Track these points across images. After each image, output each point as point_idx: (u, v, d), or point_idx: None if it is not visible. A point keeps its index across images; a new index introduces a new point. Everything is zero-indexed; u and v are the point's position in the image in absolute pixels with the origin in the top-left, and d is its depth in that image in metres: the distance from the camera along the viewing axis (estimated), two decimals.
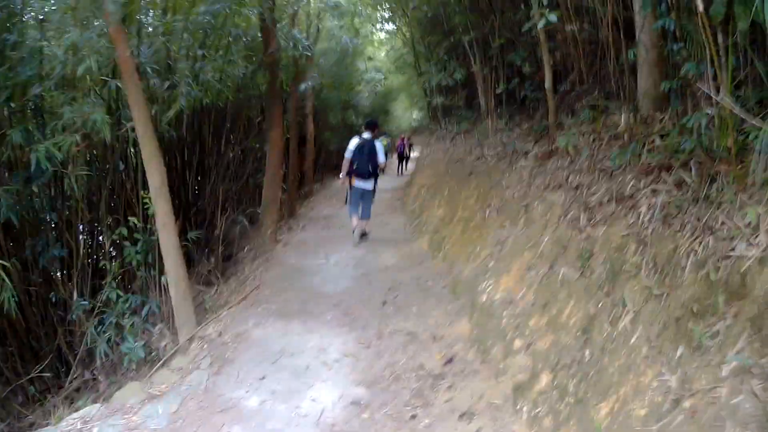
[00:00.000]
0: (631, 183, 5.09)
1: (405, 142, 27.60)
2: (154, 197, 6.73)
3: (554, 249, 5.49)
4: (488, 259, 7.01)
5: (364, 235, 10.82)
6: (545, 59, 7.59)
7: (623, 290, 4.10)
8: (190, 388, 5.24)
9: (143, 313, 7.45)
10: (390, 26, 20.06)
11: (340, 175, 10.40)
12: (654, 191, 4.73)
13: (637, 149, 5.33)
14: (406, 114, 41.92)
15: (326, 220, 13.42)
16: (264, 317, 7.09)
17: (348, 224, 11.22)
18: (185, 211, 10.92)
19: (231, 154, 12.34)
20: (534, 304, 5.31)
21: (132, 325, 7.16)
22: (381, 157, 10.10)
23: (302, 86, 12.87)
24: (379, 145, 10.10)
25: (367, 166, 9.96)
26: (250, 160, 13.60)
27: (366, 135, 10.08)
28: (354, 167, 10.00)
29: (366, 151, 9.91)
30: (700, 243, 3.56)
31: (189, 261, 10.57)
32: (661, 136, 5.31)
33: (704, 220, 3.71)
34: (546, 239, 5.75)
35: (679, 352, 3.25)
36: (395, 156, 28.01)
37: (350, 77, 22.57)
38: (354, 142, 10.00)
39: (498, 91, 9.86)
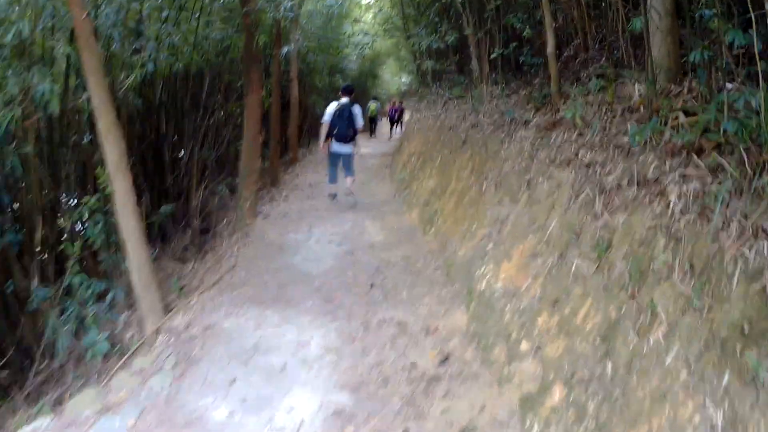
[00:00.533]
0: (654, 164, 4.46)
1: (396, 107, 27.61)
2: (112, 174, 6.04)
3: (564, 235, 4.87)
4: (486, 239, 6.39)
5: (350, 195, 10.83)
6: (547, 21, 6.90)
7: (652, 294, 3.49)
8: (151, 396, 4.60)
9: (107, 300, 6.79)
10: None
11: (319, 142, 10.68)
12: (684, 177, 4.11)
13: (659, 125, 4.69)
14: (395, 78, 41.35)
15: (311, 189, 12.73)
16: (237, 305, 6.44)
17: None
18: (160, 183, 10.24)
19: (210, 121, 11.58)
20: (541, 299, 4.70)
21: (95, 314, 6.52)
22: (359, 122, 10.30)
23: (285, 49, 12.05)
24: (357, 110, 10.27)
25: (347, 130, 10.10)
26: (230, 126, 12.86)
27: (344, 100, 10.17)
28: (334, 131, 10.15)
29: (345, 115, 10.05)
30: (751, 248, 2.94)
31: (164, 236, 9.96)
32: (686, 113, 4.66)
33: (753, 219, 3.09)
34: (554, 223, 5.13)
35: (725, 382, 2.66)
36: (386, 119, 28.53)
37: (337, 41, 21.82)
38: (332, 107, 10.14)
39: (493, 55, 9.15)
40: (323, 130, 10.30)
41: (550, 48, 6.94)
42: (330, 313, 6.14)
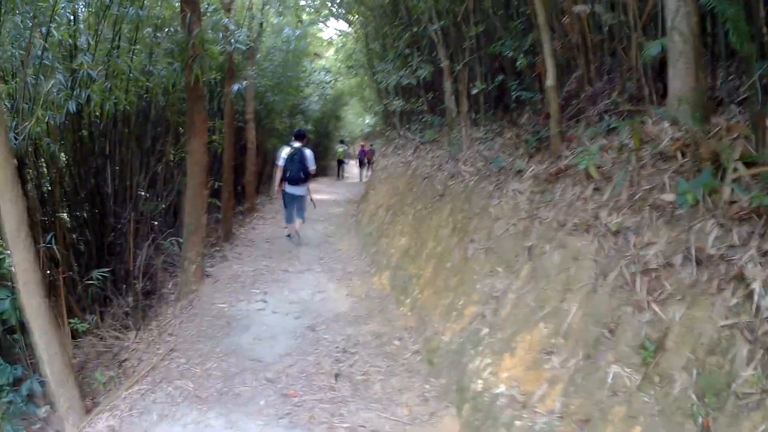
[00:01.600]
0: (715, 233, 3.33)
1: (365, 149, 28.43)
2: (10, 242, 4.77)
3: (590, 328, 3.69)
4: (478, 321, 5.18)
5: (297, 235, 11.33)
6: (546, 48, 5.81)
7: (739, 430, 2.32)
8: None
9: (23, 390, 5.46)
10: (340, 24, 18.46)
11: (275, 185, 11.14)
12: (766, 254, 2.99)
13: (713, 180, 3.55)
14: (358, 120, 40.67)
15: (268, 244, 11.43)
16: (174, 403, 5.14)
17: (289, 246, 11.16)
18: (99, 239, 8.88)
19: (158, 167, 10.27)
20: (564, 417, 3.51)
21: (10, 404, 5.23)
22: (311, 165, 10.58)
23: (235, 86, 10.82)
24: (309, 154, 10.57)
25: (298, 173, 10.49)
26: (181, 172, 11.59)
27: (296, 144, 10.59)
28: (286, 175, 10.54)
29: (297, 159, 10.44)
30: None
31: (104, 300, 8.59)
32: (746, 163, 3.53)
33: None
34: (574, 309, 3.94)
35: None
36: (353, 162, 30.19)
37: (297, 79, 20.73)
38: (285, 151, 10.59)
39: (474, 91, 8.04)
40: (277, 174, 10.76)
41: (551, 80, 5.85)
42: (287, 415, 4.86)
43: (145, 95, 9.57)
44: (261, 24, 15.29)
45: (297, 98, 21.74)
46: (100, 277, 7.61)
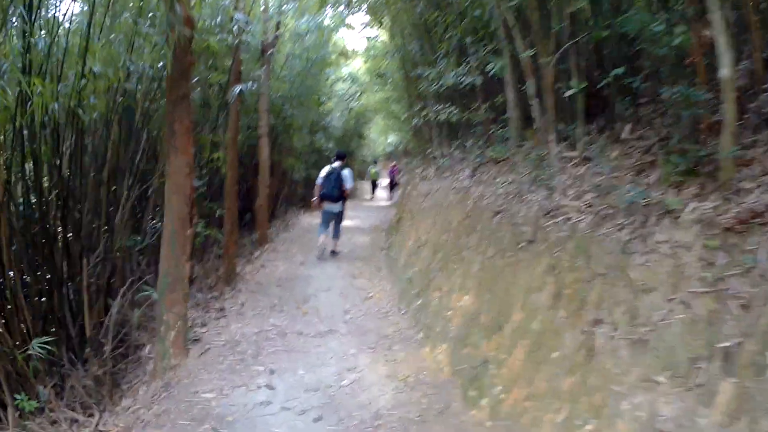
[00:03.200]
0: None
1: (396, 169, 27.63)
2: None
3: None
4: None
5: (333, 252, 12.03)
6: (716, 19, 3.54)
7: None
8: None
9: None
10: (366, 31, 16.40)
11: (314, 199, 11.69)
12: None
13: None
14: (381, 138, 39.57)
15: (280, 289, 9.09)
16: None
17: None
18: (49, 295, 6.64)
19: (138, 191, 8.01)
20: None
21: None
22: (348, 183, 11.29)
23: (238, 87, 8.46)
24: (346, 173, 11.25)
25: (333, 191, 11.13)
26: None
27: (336, 164, 11.36)
28: (323, 192, 11.16)
29: (333, 177, 11.10)
30: None
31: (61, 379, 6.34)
32: None
33: None
34: None
35: None
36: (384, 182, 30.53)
37: (318, 91, 18.60)
38: (324, 170, 11.32)
39: (570, 92, 5.68)
40: (316, 190, 11.39)
41: (727, 69, 3.55)
42: None
43: (122, 99, 7.32)
44: (278, 24, 13.07)
45: (318, 113, 19.57)
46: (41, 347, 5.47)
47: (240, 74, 8.99)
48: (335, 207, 11.34)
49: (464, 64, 7.57)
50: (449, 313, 6.29)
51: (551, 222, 5.12)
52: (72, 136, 6.66)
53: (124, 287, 7.23)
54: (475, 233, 6.66)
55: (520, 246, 5.44)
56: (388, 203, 25.85)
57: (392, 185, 27.83)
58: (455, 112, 8.47)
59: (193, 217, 5.63)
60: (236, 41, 8.17)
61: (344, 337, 6.84)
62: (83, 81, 5.94)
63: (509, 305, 5.15)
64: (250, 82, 8.25)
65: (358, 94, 18.37)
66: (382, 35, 16.40)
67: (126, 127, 7.71)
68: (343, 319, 7.56)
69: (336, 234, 11.98)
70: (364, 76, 19.85)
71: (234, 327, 7.10)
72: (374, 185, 31.45)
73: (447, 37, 8.56)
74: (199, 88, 9.66)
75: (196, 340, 6.61)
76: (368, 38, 16.71)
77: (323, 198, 11.20)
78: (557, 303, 4.48)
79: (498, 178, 7.05)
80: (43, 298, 6.53)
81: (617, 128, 5.79)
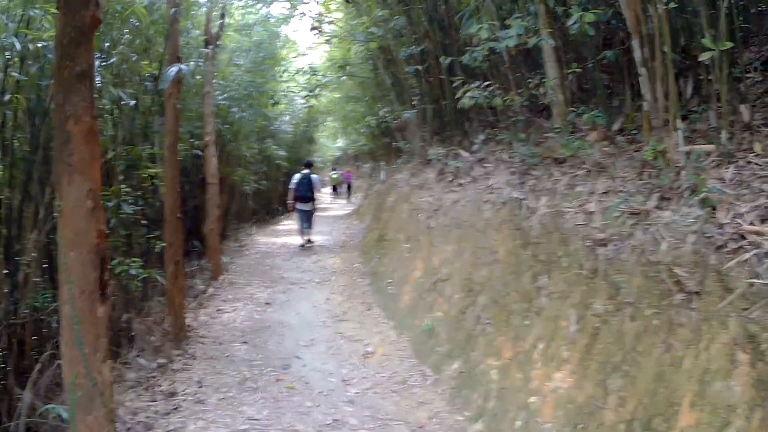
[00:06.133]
0: None
1: (350, 174, 33.92)
2: None
3: None
4: None
5: (309, 242, 14.27)
6: None
7: None
8: None
9: None
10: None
11: (288, 202, 14.30)
12: None
13: None
14: (329, 144, 39.37)
15: (249, 348, 6.69)
16: None
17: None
18: None
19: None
20: None
21: None
22: (318, 186, 13.80)
23: (173, 69, 5.91)
24: (315, 178, 13.71)
25: (306, 193, 13.38)
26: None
27: (305, 171, 13.67)
28: (298, 195, 13.40)
29: (305, 182, 13.38)
30: None
31: None
32: None
33: None
34: None
35: None
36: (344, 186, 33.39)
37: (270, 92, 16.44)
38: (297, 177, 13.63)
39: (704, 55, 3.55)
40: (290, 194, 13.63)
41: None
42: None
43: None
44: (222, 13, 10.79)
45: (267, 117, 17.36)
46: None
47: (179, 58, 6.55)
48: (308, 206, 13.53)
49: (518, 17, 5.26)
50: (533, 399, 4.03)
51: (732, 260, 2.95)
52: None
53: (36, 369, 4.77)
54: (556, 271, 4.40)
55: (671, 300, 3.24)
56: (349, 206, 27.73)
57: (349, 189, 32.63)
58: (485, 94, 6.01)
59: (106, 284, 3.25)
60: (173, 10, 5.82)
61: None
62: None
63: (665, 398, 2.95)
64: (191, 63, 5.81)
65: (317, 88, 16.10)
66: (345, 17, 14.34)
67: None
68: (345, 397, 5.28)
69: (310, 226, 14.07)
70: (327, 68, 17.59)
71: (192, 428, 4.67)
72: (334, 189, 35.14)
73: None
74: (120, 82, 7.25)
75: None
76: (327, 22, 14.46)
77: (298, 199, 13.33)
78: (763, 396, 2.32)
79: (579, 186, 4.77)
80: None
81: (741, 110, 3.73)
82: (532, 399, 4.03)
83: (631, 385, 3.31)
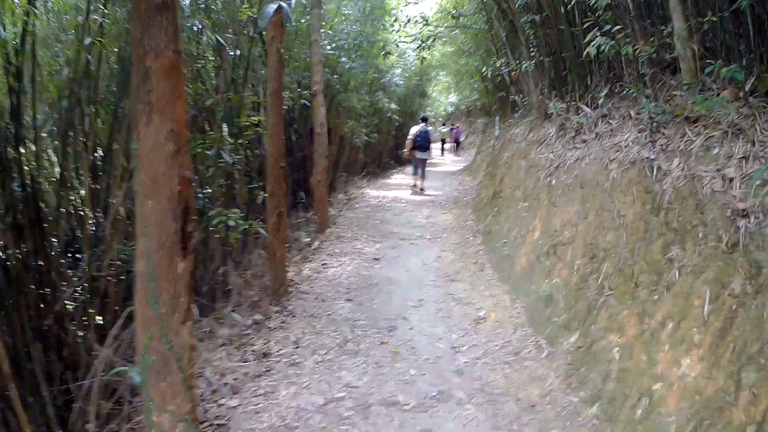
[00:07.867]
0: None
1: (459, 129, 35.16)
2: None
3: None
4: None
5: (422, 190, 15.72)
6: None
7: None
8: None
9: None
10: None
11: (404, 151, 17.46)
12: None
13: None
14: (442, 99, 37.79)
15: (353, 306, 6.38)
16: None
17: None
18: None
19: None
20: None
21: None
22: (433, 136, 15.93)
23: (272, 6, 5.48)
24: (431, 129, 15.59)
25: (424, 143, 14.99)
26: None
27: (422, 124, 15.24)
28: (416, 144, 14.97)
29: (423, 134, 14.96)
30: None
31: None
32: None
33: None
34: None
35: None
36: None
37: (379, 42, 16.15)
38: (415, 128, 15.22)
39: None
40: (408, 144, 15.43)
41: None
42: None
43: None
44: None
45: (378, 71, 17.27)
46: None
47: None
48: (425, 155, 15.30)
49: None
50: (657, 386, 3.45)
51: None
52: None
53: (117, 324, 4.59)
54: (690, 242, 3.74)
55: None
56: (460, 162, 27.67)
57: (457, 144, 33.99)
58: (621, 41, 5.26)
59: (190, 236, 2.91)
60: None
61: (465, 409, 4.13)
62: None
63: None
64: (292, 1, 5.35)
65: (429, 39, 15.47)
66: None
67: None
68: (454, 367, 4.85)
69: (424, 175, 15.70)
70: (439, 18, 16.98)
71: (284, 394, 4.40)
72: (443, 143, 35.34)
73: None
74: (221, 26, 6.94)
75: (220, 426, 3.97)
76: None
77: (416, 149, 14.98)
78: None
79: (716, 148, 4.04)
80: None
81: None
82: (656, 386, 3.44)
83: (767, 381, 2.72)
